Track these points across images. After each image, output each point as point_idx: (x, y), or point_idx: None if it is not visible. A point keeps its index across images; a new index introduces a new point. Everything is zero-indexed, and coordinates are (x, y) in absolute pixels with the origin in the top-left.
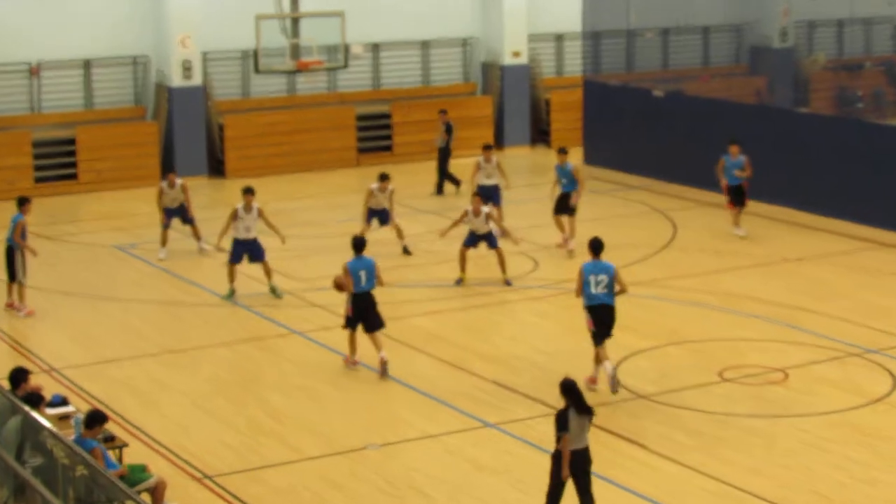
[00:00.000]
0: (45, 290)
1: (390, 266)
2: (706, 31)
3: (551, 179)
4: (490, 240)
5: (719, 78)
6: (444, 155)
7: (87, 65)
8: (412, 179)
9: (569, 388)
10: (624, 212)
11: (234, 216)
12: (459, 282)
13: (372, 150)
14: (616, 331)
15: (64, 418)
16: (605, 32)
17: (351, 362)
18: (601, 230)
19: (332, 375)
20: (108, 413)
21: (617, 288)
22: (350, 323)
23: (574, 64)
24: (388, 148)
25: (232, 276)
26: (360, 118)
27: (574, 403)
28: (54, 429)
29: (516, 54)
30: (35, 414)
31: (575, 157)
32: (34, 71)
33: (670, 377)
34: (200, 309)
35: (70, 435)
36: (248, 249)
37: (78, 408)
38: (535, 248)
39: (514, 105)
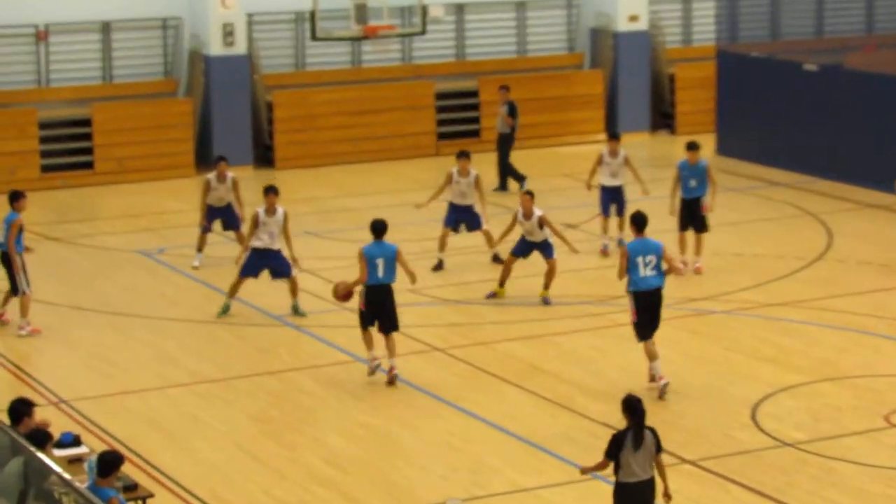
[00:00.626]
0: (52, 304)
1: (476, 280)
2: None
3: (672, 177)
4: (546, 249)
5: (887, 48)
6: (505, 142)
7: (105, 28)
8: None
9: (632, 407)
10: (766, 215)
11: (255, 222)
12: (492, 295)
13: (454, 135)
14: (757, 362)
15: (75, 461)
16: None
17: (373, 364)
18: (737, 237)
19: (403, 413)
20: (130, 455)
21: (665, 267)
22: (363, 320)
23: (705, 31)
24: (475, 133)
25: (234, 290)
26: (441, 96)
27: (633, 428)
28: (65, 474)
29: (633, 18)
30: (41, 455)
31: (705, 148)
32: (41, 36)
33: (825, 421)
34: (244, 329)
35: (83, 481)
36: (269, 263)
37: (93, 448)
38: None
39: (631, 81)
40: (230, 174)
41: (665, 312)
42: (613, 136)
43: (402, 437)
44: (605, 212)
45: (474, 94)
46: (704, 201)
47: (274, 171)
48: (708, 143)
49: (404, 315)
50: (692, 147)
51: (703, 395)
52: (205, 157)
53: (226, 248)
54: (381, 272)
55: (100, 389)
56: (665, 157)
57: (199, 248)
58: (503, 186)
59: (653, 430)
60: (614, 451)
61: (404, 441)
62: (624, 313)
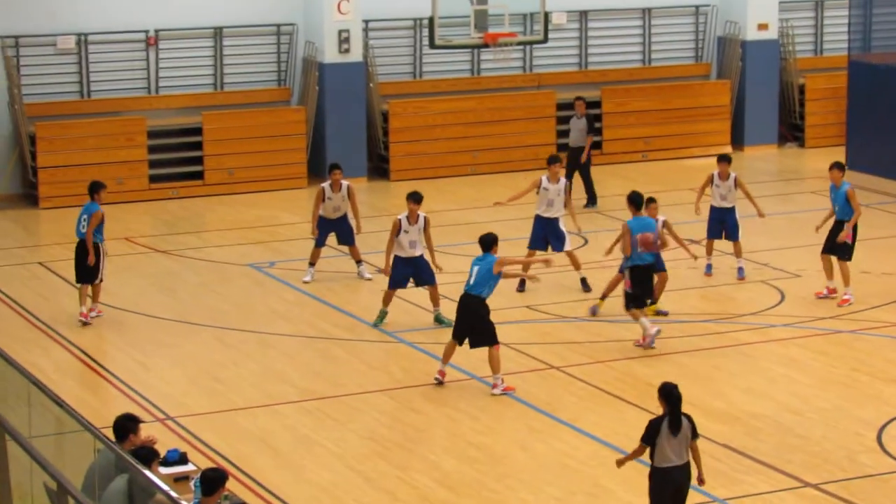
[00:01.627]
0: (160, 318)
1: (595, 298)
2: None
3: (825, 194)
4: (657, 263)
5: None
6: (578, 156)
7: (217, 34)
8: (626, 185)
9: (668, 394)
10: None
11: (397, 230)
12: (595, 310)
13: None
14: (884, 384)
15: (181, 479)
16: None
17: (439, 375)
18: (866, 255)
19: (518, 433)
20: (238, 475)
21: (659, 243)
22: (453, 330)
23: (838, 40)
24: (597, 145)
25: (387, 300)
26: (563, 107)
27: (669, 414)
28: (171, 491)
29: (763, 27)
30: (147, 473)
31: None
32: (151, 41)
33: None
34: (356, 346)
35: (190, 500)
36: (413, 271)
37: (199, 467)
38: (781, 276)
39: (759, 92)
40: (345, 183)
41: (790, 332)
42: (724, 158)
43: (517, 457)
44: (710, 234)
45: (597, 104)
46: (845, 226)
47: (389, 183)
48: (838, 157)
49: (520, 332)
50: (837, 167)
51: (828, 417)
52: (318, 168)
53: (339, 262)
54: (471, 279)
55: (208, 406)
56: (793, 171)
57: (312, 263)
58: (592, 201)
59: (688, 417)
60: (651, 436)
61: (519, 462)
62: (752, 332)
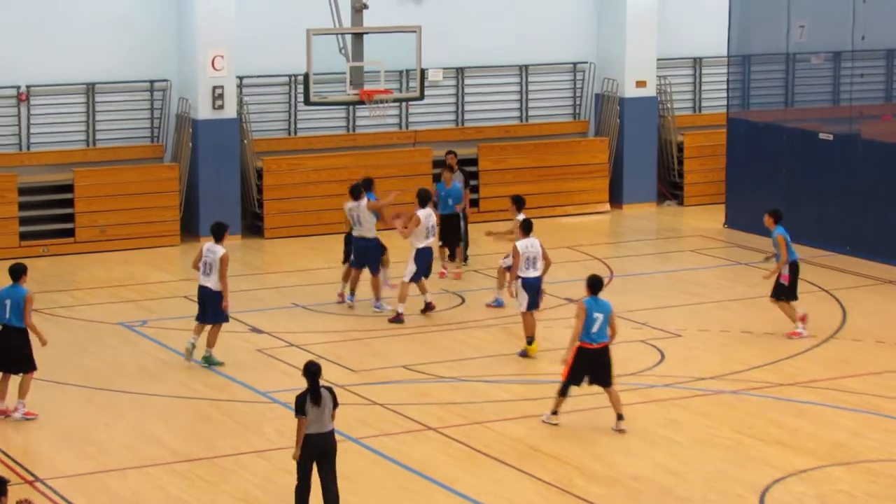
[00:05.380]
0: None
1: (461, 357)
2: (891, 55)
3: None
4: None
5: None
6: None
7: (90, 90)
8: (503, 243)
9: (308, 371)
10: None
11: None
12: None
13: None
14: (765, 445)
15: None
16: (757, 57)
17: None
18: (747, 314)
19: (394, 495)
20: None
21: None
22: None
23: (716, 98)
24: (474, 202)
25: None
26: (439, 164)
27: (309, 389)
28: None
29: (641, 84)
30: None
31: (713, 219)
32: (23, 97)
33: None
34: (229, 406)
35: None
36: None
37: None
38: (661, 336)
39: (637, 150)
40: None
41: (672, 392)
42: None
43: None
44: None
45: (474, 161)
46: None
47: (263, 240)
48: (717, 213)
49: (397, 392)
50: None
51: (710, 480)
52: (191, 226)
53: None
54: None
55: (78, 467)
56: (672, 229)
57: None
58: (465, 259)
59: (329, 389)
60: (301, 408)
61: None
62: (631, 392)
